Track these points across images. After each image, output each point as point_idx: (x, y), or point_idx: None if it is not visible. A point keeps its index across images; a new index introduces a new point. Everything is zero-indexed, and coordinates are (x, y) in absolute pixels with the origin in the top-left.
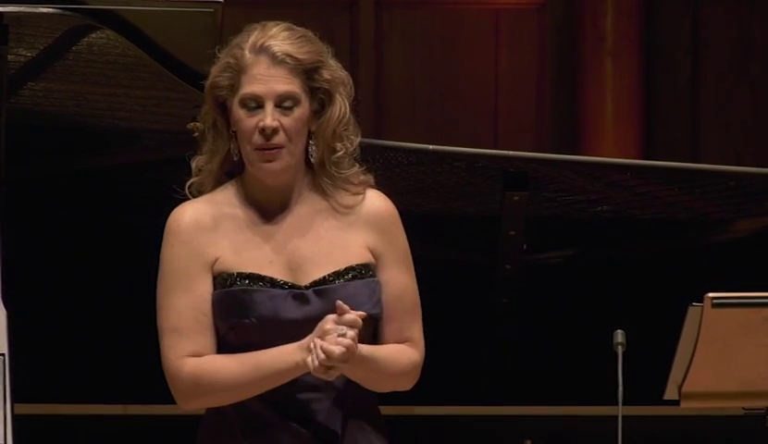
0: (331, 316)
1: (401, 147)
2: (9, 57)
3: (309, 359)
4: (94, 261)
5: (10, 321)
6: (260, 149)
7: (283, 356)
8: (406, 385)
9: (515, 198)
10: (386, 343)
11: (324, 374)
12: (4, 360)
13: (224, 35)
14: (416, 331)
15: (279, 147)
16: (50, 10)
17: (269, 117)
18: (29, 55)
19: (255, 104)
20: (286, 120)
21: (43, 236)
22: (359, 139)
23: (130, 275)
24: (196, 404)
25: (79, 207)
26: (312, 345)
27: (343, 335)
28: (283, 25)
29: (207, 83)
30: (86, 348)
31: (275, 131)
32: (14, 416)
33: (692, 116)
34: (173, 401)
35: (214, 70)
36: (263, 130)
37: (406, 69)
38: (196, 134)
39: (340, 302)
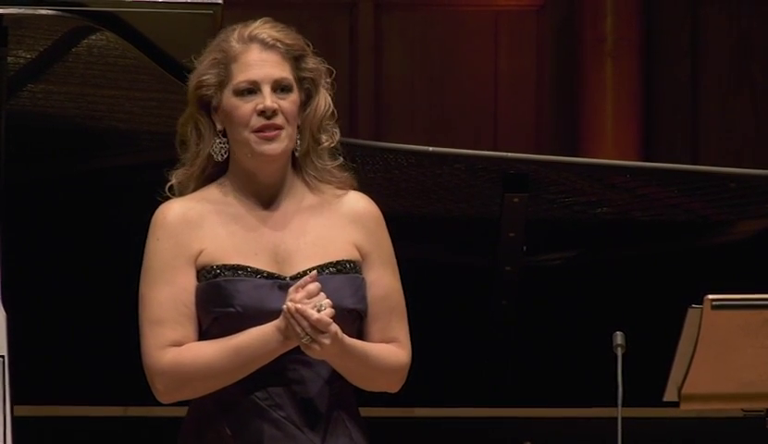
0: (294, 301)
1: (400, 149)
2: (9, 59)
3: (305, 340)
4: (94, 263)
5: (10, 323)
6: (259, 131)
7: (262, 338)
8: (393, 385)
9: (515, 200)
10: (369, 342)
11: (317, 351)
12: (4, 362)
13: None
14: (402, 333)
15: (280, 128)
16: (50, 12)
17: (269, 99)
18: (28, 56)
19: (252, 89)
20: (284, 103)
21: (43, 238)
22: (338, 135)
23: (129, 276)
24: (176, 395)
25: (78, 209)
26: (296, 335)
27: (321, 308)
28: (264, 18)
29: (191, 85)
30: (87, 349)
31: (275, 113)
32: (14, 418)
33: (692, 117)
34: (175, 403)
35: (198, 71)
36: (262, 112)
37: (406, 71)
38: (182, 140)
39: (291, 290)
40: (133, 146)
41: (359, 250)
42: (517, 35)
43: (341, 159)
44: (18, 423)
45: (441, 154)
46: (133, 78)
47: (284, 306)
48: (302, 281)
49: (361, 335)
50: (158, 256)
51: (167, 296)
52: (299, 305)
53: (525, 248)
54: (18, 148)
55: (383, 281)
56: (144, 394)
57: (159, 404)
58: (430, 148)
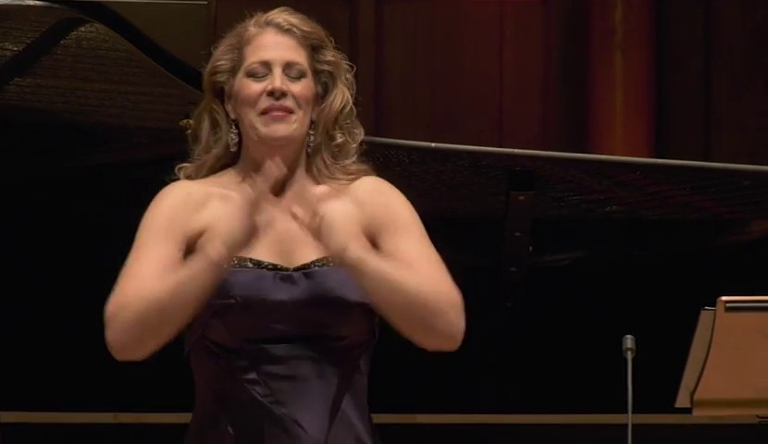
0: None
1: (401, 145)
2: None
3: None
4: (84, 263)
5: None
6: (266, 112)
7: (198, 254)
8: (452, 323)
9: (521, 198)
10: None
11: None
12: None
13: (218, 29)
14: (445, 278)
15: (288, 110)
16: (38, 3)
17: (278, 80)
18: (15, 49)
19: (263, 70)
20: (295, 87)
21: (30, 237)
22: (362, 136)
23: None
24: (126, 340)
25: (68, 207)
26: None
27: None
28: (284, 6)
29: (207, 71)
30: (75, 354)
31: (284, 94)
32: (1, 425)
33: (705, 112)
34: (165, 410)
35: (214, 57)
36: (271, 93)
37: (407, 65)
38: (189, 132)
39: None
40: (124, 142)
41: (369, 236)
42: (523, 27)
43: (356, 157)
44: (4, 429)
45: (444, 151)
46: (124, 71)
47: None
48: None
49: (373, 334)
50: (154, 221)
51: (152, 256)
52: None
53: (531, 248)
54: (5, 144)
55: (403, 248)
56: (135, 400)
57: (150, 411)
58: (433, 144)
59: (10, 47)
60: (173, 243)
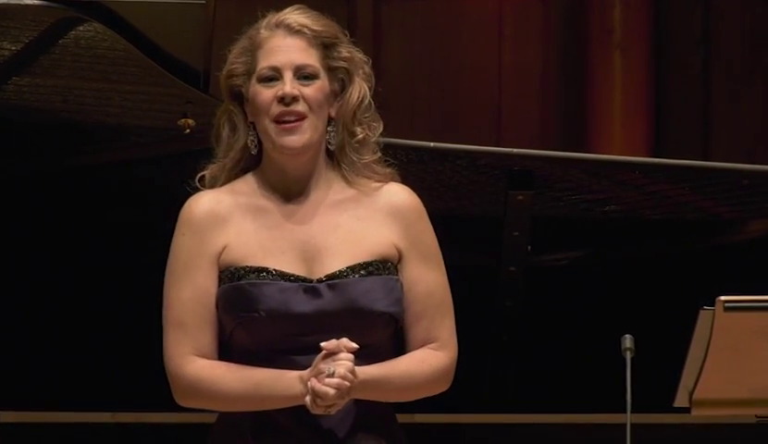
0: (324, 353)
1: (400, 144)
2: None
3: (308, 399)
4: (82, 262)
5: None
6: (280, 121)
7: (283, 383)
8: (436, 391)
9: (520, 197)
10: (412, 343)
11: (324, 412)
12: None
13: (217, 29)
14: (446, 331)
15: (300, 117)
16: (36, 2)
17: (288, 85)
18: (14, 48)
19: (274, 75)
20: (306, 90)
21: (28, 236)
22: (381, 129)
23: (119, 276)
24: (191, 404)
25: (66, 206)
26: (309, 385)
27: (331, 374)
28: (297, 5)
29: (222, 74)
30: (74, 353)
31: (295, 99)
32: None
33: (704, 111)
34: (163, 409)
35: (228, 60)
36: (282, 99)
37: (406, 64)
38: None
39: (324, 344)
40: (123, 141)
41: (396, 246)
42: (522, 26)
43: (380, 154)
44: (3, 429)
45: (443, 150)
46: (122, 70)
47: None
48: (334, 346)
49: (397, 337)
50: (182, 253)
51: (188, 297)
52: (315, 384)
53: (529, 247)
54: (3, 143)
55: (425, 277)
56: (133, 400)
57: (148, 410)
58: (431, 144)
59: (8, 46)
60: (207, 275)
